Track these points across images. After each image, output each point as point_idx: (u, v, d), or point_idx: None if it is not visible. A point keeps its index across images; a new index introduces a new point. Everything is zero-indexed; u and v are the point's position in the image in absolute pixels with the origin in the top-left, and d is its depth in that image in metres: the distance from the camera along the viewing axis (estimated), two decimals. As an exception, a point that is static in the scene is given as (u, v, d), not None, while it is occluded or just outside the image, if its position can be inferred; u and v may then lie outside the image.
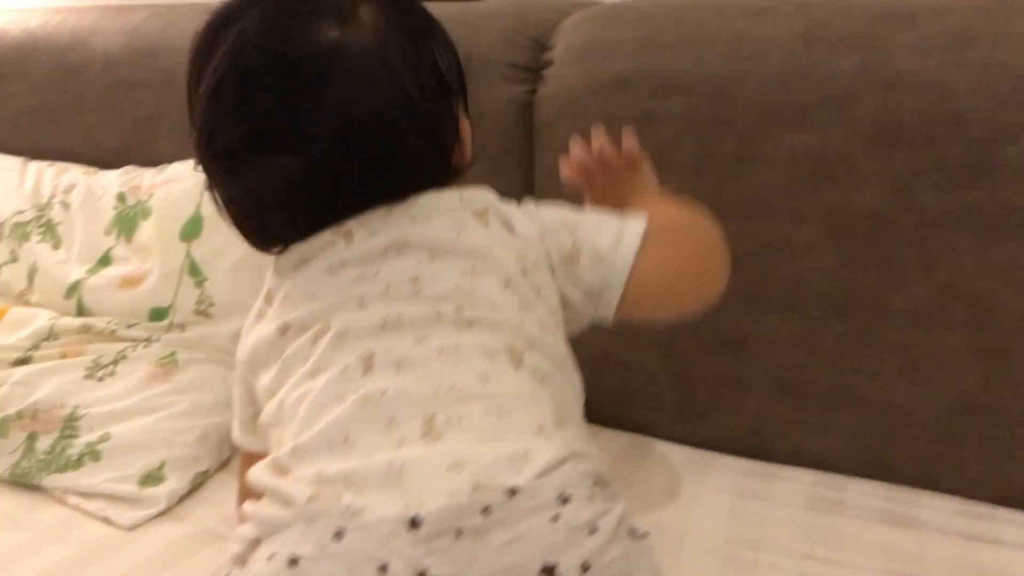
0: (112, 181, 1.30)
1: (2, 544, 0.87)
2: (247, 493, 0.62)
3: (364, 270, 0.65)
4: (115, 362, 1.10)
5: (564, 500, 0.54)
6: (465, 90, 0.76)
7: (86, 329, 1.16)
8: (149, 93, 1.32)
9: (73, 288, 1.22)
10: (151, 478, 0.96)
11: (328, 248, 0.67)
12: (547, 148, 1.06)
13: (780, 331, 0.95)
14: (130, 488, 0.95)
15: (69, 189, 1.33)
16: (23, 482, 0.98)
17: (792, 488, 0.92)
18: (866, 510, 0.88)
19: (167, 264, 1.16)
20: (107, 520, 0.91)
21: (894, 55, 0.88)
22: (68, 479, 0.97)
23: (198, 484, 0.98)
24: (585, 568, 0.52)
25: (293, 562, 0.52)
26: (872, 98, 0.88)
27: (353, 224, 0.67)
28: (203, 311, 1.12)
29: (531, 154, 1.08)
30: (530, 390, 0.61)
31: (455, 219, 0.68)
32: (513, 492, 0.53)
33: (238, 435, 0.77)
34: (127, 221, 1.24)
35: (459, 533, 0.52)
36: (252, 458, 0.69)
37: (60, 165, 1.40)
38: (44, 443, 1.01)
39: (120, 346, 1.12)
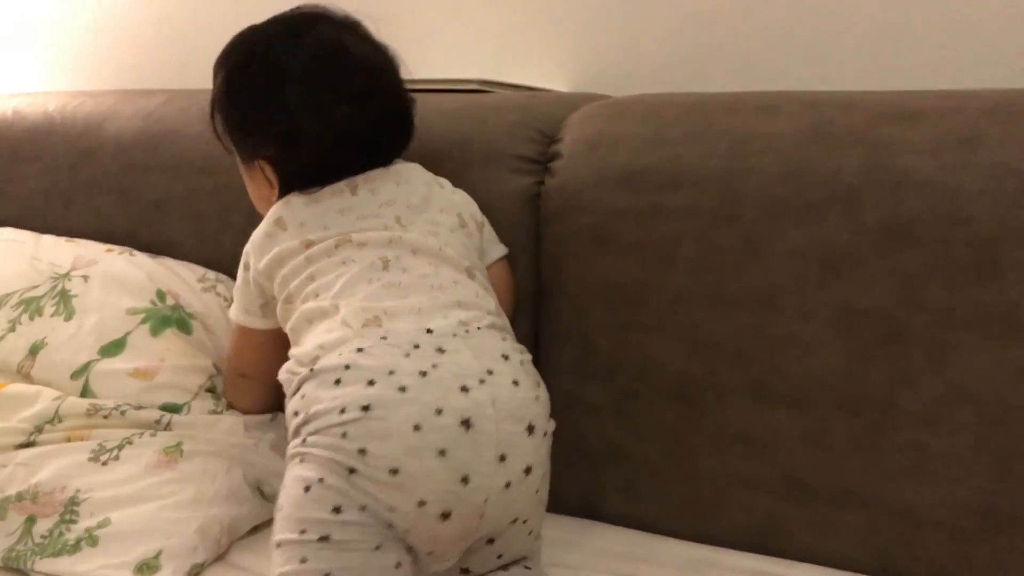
0: (153, 271, 1.30)
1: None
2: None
3: (364, 213, 0.98)
4: (120, 447, 1.09)
5: (503, 338, 0.90)
6: None
7: (93, 411, 1.14)
8: (161, 177, 1.33)
9: (82, 370, 1.22)
10: (147, 567, 0.94)
11: (338, 195, 0.99)
12: (554, 239, 1.06)
13: (788, 428, 0.94)
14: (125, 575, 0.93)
15: (91, 264, 1.33)
16: (15, 567, 0.97)
17: (800, 590, 0.90)
18: (877, 615, 0.86)
19: (190, 377, 1.17)
20: (101, 610, 0.90)
21: (900, 153, 0.89)
22: (63, 564, 0.95)
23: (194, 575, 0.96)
24: (506, 357, 0.86)
25: (359, 350, 0.84)
26: (878, 196, 0.89)
27: (360, 181, 1.00)
28: (218, 411, 1.13)
29: (538, 244, 1.09)
30: (475, 288, 0.95)
31: (424, 183, 1.03)
32: (479, 328, 0.89)
33: (242, 315, 1.05)
34: (161, 320, 1.23)
35: (454, 335, 0.86)
36: (252, 334, 1.06)
37: (78, 240, 1.40)
38: (43, 527, 0.99)
39: (127, 432, 1.11)
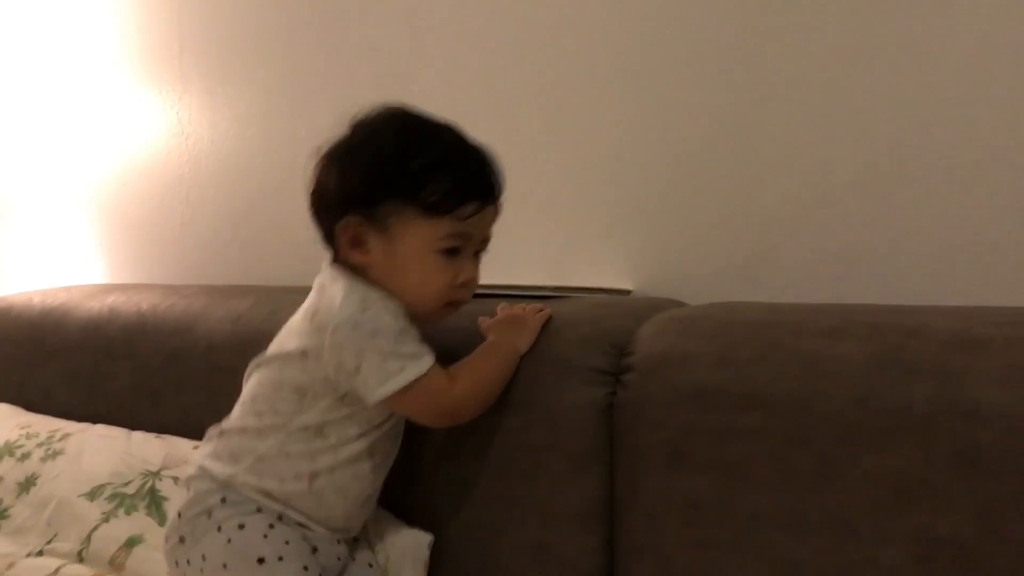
0: None
1: None
2: None
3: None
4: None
5: (188, 488, 1.16)
6: (373, 203, 1.06)
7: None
8: (248, 379, 1.39)
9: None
10: None
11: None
12: (628, 452, 1.09)
13: (871, 656, 0.93)
14: None
15: (181, 463, 1.38)
16: None
17: None
18: None
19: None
20: None
21: (970, 384, 0.90)
22: None
23: None
24: (179, 516, 1.13)
25: None
26: (951, 426, 0.90)
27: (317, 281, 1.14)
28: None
29: (611, 454, 1.11)
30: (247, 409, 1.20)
31: (317, 290, 1.11)
32: (193, 475, 1.17)
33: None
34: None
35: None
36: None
37: (167, 437, 1.46)
38: None
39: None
